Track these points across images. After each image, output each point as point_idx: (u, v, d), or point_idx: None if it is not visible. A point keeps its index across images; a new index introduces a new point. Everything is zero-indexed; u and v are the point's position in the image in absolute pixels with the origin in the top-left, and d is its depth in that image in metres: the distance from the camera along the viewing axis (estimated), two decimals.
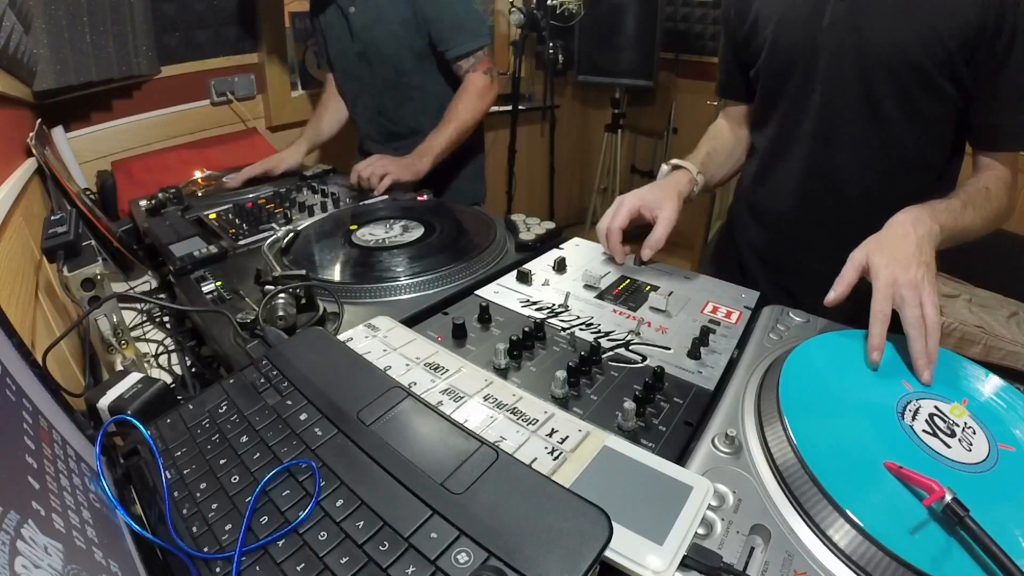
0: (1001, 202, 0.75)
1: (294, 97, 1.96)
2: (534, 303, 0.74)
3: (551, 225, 0.96)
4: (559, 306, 0.73)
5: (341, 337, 0.62)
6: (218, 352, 0.68)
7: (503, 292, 0.77)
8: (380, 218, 1.01)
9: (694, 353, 0.63)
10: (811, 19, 0.80)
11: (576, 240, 0.95)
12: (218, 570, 0.36)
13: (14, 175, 0.92)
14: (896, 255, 0.62)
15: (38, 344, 0.65)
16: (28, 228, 0.89)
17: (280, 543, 0.36)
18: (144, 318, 0.86)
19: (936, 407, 0.52)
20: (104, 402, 0.52)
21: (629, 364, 0.62)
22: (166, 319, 0.85)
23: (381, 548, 0.35)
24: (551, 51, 2.79)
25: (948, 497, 0.39)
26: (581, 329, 0.68)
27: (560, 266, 0.83)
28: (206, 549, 0.37)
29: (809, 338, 0.62)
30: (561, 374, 0.56)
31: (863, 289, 0.70)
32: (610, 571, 0.38)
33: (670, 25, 2.87)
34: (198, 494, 0.41)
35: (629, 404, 0.52)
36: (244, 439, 0.45)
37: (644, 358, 0.63)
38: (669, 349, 0.64)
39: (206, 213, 1.08)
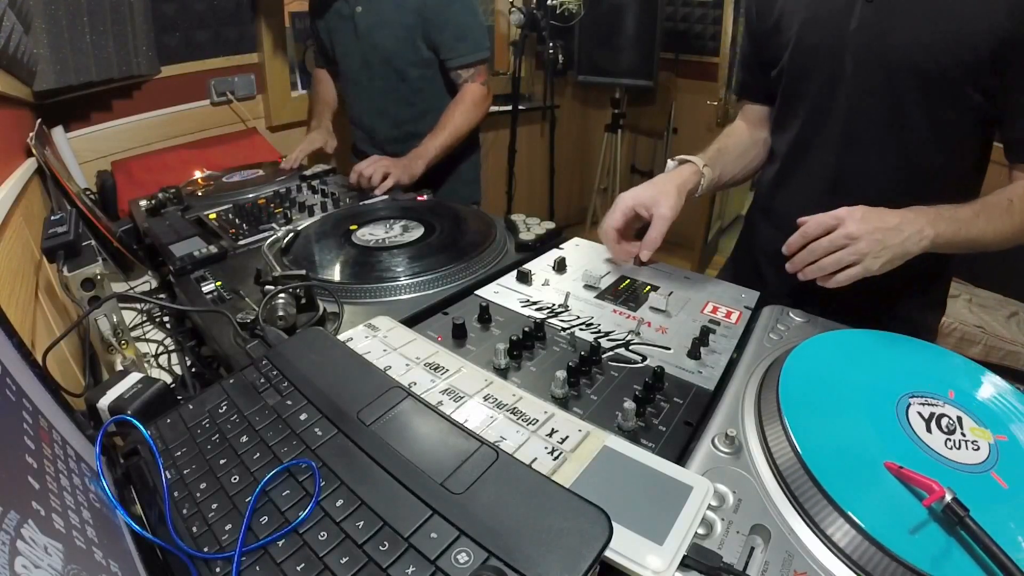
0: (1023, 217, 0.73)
1: (294, 97, 1.96)
2: (534, 303, 0.74)
3: (551, 225, 0.96)
4: (559, 306, 0.73)
5: (341, 337, 0.62)
6: (218, 352, 0.68)
7: (503, 292, 0.77)
8: (380, 218, 1.01)
9: (694, 353, 0.63)
10: (838, 20, 0.78)
11: (576, 240, 0.95)
12: (218, 570, 0.36)
13: (14, 175, 0.92)
14: (868, 218, 0.67)
15: (38, 344, 0.65)
16: (28, 228, 0.89)
17: (280, 543, 0.36)
18: (144, 318, 0.86)
19: (934, 407, 0.52)
20: (104, 402, 0.52)
21: (629, 364, 0.62)
22: (166, 319, 0.85)
23: (381, 548, 0.35)
24: (551, 51, 2.79)
25: (948, 497, 0.39)
26: (581, 329, 0.68)
27: (560, 266, 0.83)
28: (206, 549, 0.37)
29: (809, 338, 0.62)
30: (561, 374, 0.56)
31: (862, 289, 0.70)
32: (610, 571, 0.38)
33: (670, 25, 2.88)
34: (198, 494, 0.41)
35: (629, 404, 0.52)
36: (244, 439, 0.45)
37: (644, 358, 0.63)
38: (669, 349, 0.64)
39: (206, 213, 1.08)
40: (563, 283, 0.79)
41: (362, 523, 0.37)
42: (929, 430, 0.49)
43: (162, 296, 0.91)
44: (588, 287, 0.78)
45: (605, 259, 0.87)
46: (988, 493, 0.44)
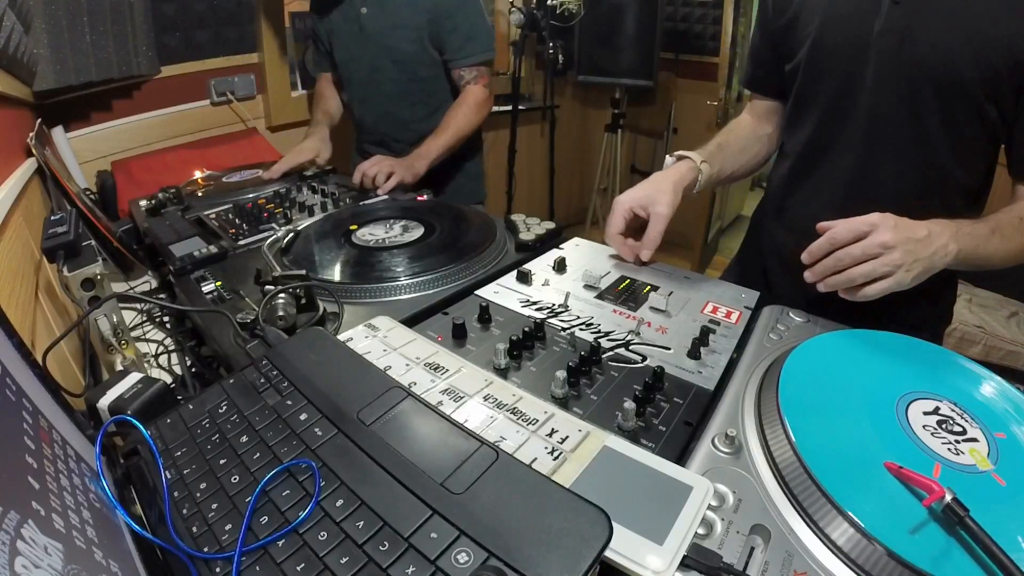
0: None
1: (294, 97, 1.96)
2: (534, 303, 0.74)
3: (551, 225, 0.96)
4: (559, 306, 0.73)
5: (341, 337, 0.62)
6: (218, 352, 0.68)
7: (503, 292, 0.77)
8: (380, 218, 1.01)
9: (694, 353, 0.63)
10: (862, 21, 0.77)
11: (576, 240, 0.95)
12: (218, 570, 0.36)
13: (14, 175, 0.92)
14: (901, 227, 0.64)
15: (38, 344, 0.65)
16: (28, 228, 0.89)
17: (280, 543, 0.36)
18: (144, 318, 0.86)
19: (937, 408, 0.52)
20: (104, 402, 0.52)
21: (629, 364, 0.62)
22: (166, 319, 0.85)
23: (381, 548, 0.35)
24: (551, 51, 2.79)
25: (948, 497, 0.39)
26: (581, 329, 0.68)
27: (560, 266, 0.83)
28: (206, 549, 0.37)
29: (809, 338, 0.62)
30: (561, 374, 0.56)
31: (873, 300, 0.69)
32: (610, 571, 0.38)
33: (670, 25, 2.88)
34: (198, 494, 0.41)
35: (629, 404, 0.52)
36: (244, 439, 0.45)
37: (644, 358, 0.63)
38: (669, 349, 0.64)
39: (206, 213, 1.08)
40: (563, 283, 0.79)
41: (362, 523, 0.37)
42: (929, 430, 0.49)
43: (162, 296, 0.91)
44: (588, 287, 0.78)
45: (605, 257, 0.87)
46: (988, 493, 0.44)
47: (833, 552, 0.41)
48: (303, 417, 0.46)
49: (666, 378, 0.58)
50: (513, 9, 2.72)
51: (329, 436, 0.44)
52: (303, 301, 0.69)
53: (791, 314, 0.71)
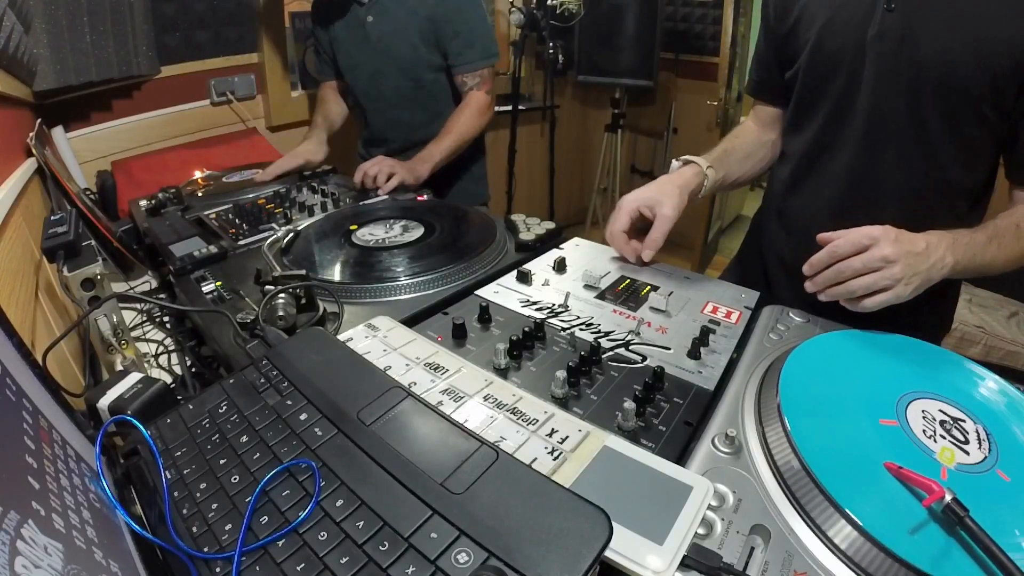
0: None
1: (294, 97, 1.97)
2: (534, 303, 0.74)
3: (551, 225, 0.96)
4: (559, 306, 0.73)
5: (341, 337, 0.62)
6: (218, 352, 0.68)
7: (503, 292, 0.77)
8: (380, 218, 1.01)
9: (694, 353, 0.63)
10: (857, 26, 0.77)
11: (576, 240, 0.95)
12: (218, 570, 0.36)
13: (14, 175, 0.92)
14: (901, 241, 0.64)
15: (38, 344, 0.65)
16: (28, 228, 0.89)
17: (280, 543, 0.36)
18: (144, 318, 0.86)
19: (934, 407, 0.52)
20: (104, 402, 0.52)
21: (629, 364, 0.62)
22: (166, 319, 0.85)
23: (381, 548, 0.35)
24: (551, 51, 2.79)
25: (948, 497, 0.39)
26: (581, 329, 0.68)
27: (560, 266, 0.83)
28: (206, 549, 0.37)
29: (809, 338, 0.62)
30: (561, 374, 0.56)
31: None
32: (610, 571, 0.38)
33: (670, 25, 2.88)
34: (198, 494, 0.41)
35: (629, 404, 0.52)
36: (244, 439, 0.45)
37: (644, 358, 0.63)
38: (669, 349, 0.64)
39: (206, 213, 1.08)
40: (563, 283, 0.79)
41: (362, 523, 0.37)
42: (929, 431, 0.49)
43: (162, 296, 0.91)
44: (588, 287, 0.78)
45: (605, 258, 0.87)
46: (988, 493, 0.44)
47: (833, 552, 0.41)
48: (303, 417, 0.46)
49: (666, 378, 0.58)
50: (513, 9, 2.72)
51: (329, 436, 0.44)
52: (303, 301, 0.69)
53: (791, 314, 0.71)
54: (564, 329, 0.68)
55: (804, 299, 0.75)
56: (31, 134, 1.06)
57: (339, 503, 0.38)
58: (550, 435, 0.48)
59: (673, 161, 0.92)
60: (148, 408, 0.52)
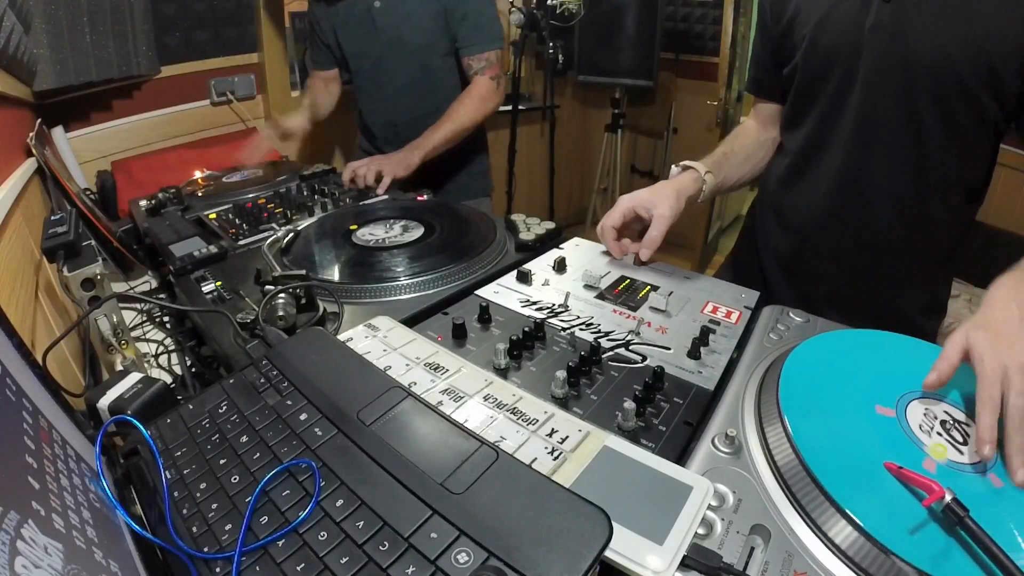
0: None
1: (294, 97, 1.96)
2: (534, 303, 0.74)
3: (551, 225, 0.96)
4: (559, 306, 0.73)
5: (341, 337, 0.62)
6: (218, 352, 0.68)
7: (503, 292, 0.77)
8: (380, 218, 1.01)
9: (694, 353, 0.63)
10: (854, 20, 0.77)
11: (576, 240, 0.95)
12: (218, 570, 0.36)
13: (14, 175, 0.92)
14: (1000, 334, 0.53)
15: (38, 344, 0.65)
16: (28, 228, 0.89)
17: (280, 543, 0.36)
18: (144, 318, 0.86)
19: (934, 407, 0.52)
20: (104, 402, 0.52)
21: (629, 364, 0.62)
22: (166, 319, 0.85)
23: (381, 548, 0.35)
24: (551, 51, 2.79)
25: (948, 497, 0.39)
26: (581, 329, 0.68)
27: (560, 266, 0.83)
28: (206, 549, 0.37)
29: (809, 338, 0.62)
30: (561, 374, 0.56)
31: (864, 291, 0.69)
32: (610, 571, 0.38)
33: (670, 25, 2.87)
34: (198, 494, 0.41)
35: (629, 404, 0.52)
36: (244, 439, 0.45)
37: (644, 358, 0.63)
38: (669, 349, 0.64)
39: (206, 213, 1.08)
40: (563, 283, 0.79)
41: (362, 523, 0.37)
42: (929, 430, 0.49)
43: (162, 296, 0.92)
44: (588, 287, 0.78)
45: (605, 258, 0.87)
46: (988, 493, 0.44)
47: (833, 552, 0.40)
48: (303, 417, 0.46)
49: (666, 378, 0.58)
50: (513, 9, 2.72)
51: (329, 436, 0.44)
52: (303, 301, 0.69)
53: (791, 314, 0.71)
54: (564, 329, 0.68)
55: (800, 294, 0.75)
56: (31, 134, 1.06)
57: (339, 503, 0.38)
58: (550, 435, 0.48)
59: (672, 167, 0.92)
60: (148, 408, 0.52)
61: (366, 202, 1.15)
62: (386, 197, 1.18)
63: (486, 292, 0.77)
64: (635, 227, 0.87)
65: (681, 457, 0.50)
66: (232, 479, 0.42)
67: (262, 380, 0.51)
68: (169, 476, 0.43)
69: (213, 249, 0.88)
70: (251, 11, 1.76)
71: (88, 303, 0.67)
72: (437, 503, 0.37)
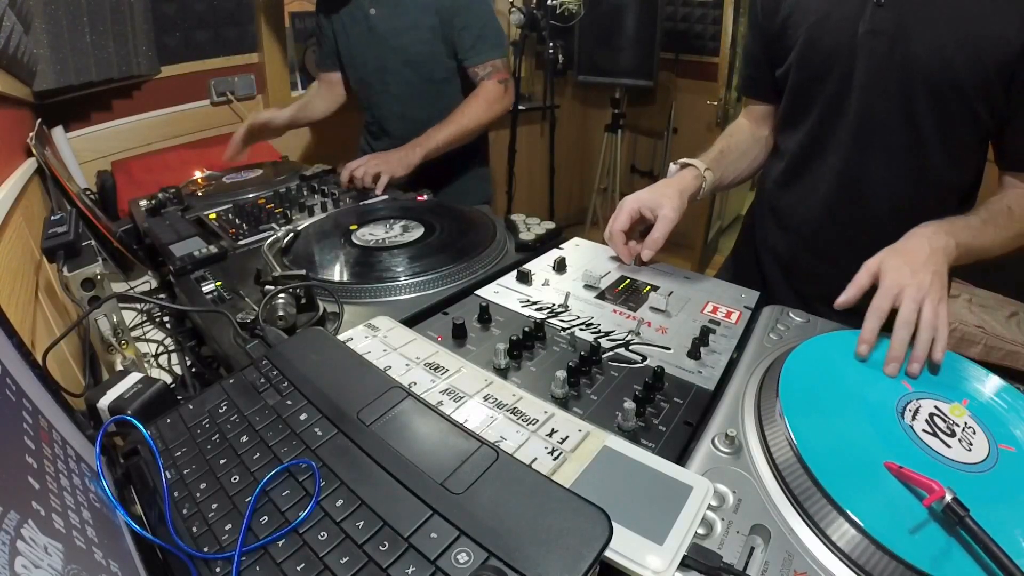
0: (1023, 222, 0.73)
1: (294, 97, 1.96)
2: (534, 303, 0.74)
3: (551, 225, 0.96)
4: (559, 306, 0.73)
5: (341, 337, 0.62)
6: (218, 352, 0.68)
7: (503, 292, 0.77)
8: (380, 218, 1.01)
9: (694, 353, 0.63)
10: (848, 23, 0.78)
11: (576, 240, 0.95)
12: (218, 570, 0.36)
13: (14, 175, 0.92)
14: (908, 260, 0.64)
15: (38, 344, 0.65)
16: (28, 228, 0.89)
17: (280, 543, 0.36)
18: (144, 318, 0.86)
19: (936, 407, 0.52)
20: (104, 402, 0.52)
21: (629, 364, 0.62)
22: (166, 319, 0.85)
23: (381, 548, 0.35)
24: (551, 51, 2.78)
25: (948, 497, 0.39)
26: (581, 329, 0.68)
27: (560, 266, 0.83)
28: (206, 549, 0.37)
29: (809, 338, 0.62)
30: (561, 374, 0.56)
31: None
32: (610, 571, 0.38)
33: (670, 25, 2.87)
34: (198, 494, 0.41)
35: (629, 404, 0.52)
36: (244, 439, 0.45)
37: (644, 358, 0.63)
38: (669, 349, 0.64)
39: (206, 213, 1.08)
40: (563, 283, 0.79)
41: (362, 523, 0.37)
42: (929, 430, 0.50)
43: (162, 296, 0.91)
44: (588, 287, 0.78)
45: (605, 258, 0.87)
46: (988, 493, 0.44)
47: (833, 552, 0.41)
48: (303, 417, 0.46)
49: (666, 378, 0.58)
50: (513, 9, 2.72)
51: (329, 436, 0.44)
52: (303, 301, 0.69)
53: (791, 314, 0.71)
54: (564, 329, 0.68)
55: (799, 294, 0.75)
56: (31, 134, 1.06)
57: (339, 503, 0.38)
58: (550, 435, 0.48)
59: (671, 165, 0.92)
60: (148, 408, 0.52)
61: (366, 202, 1.15)
62: (386, 197, 1.18)
63: (486, 292, 0.77)
64: (638, 228, 0.87)
65: (681, 457, 0.50)
66: (232, 479, 0.42)
67: (262, 380, 0.51)
68: (169, 476, 0.43)
69: (213, 249, 0.88)
70: (251, 11, 1.76)
71: (88, 303, 0.67)
72: (437, 503, 0.37)
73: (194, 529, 0.39)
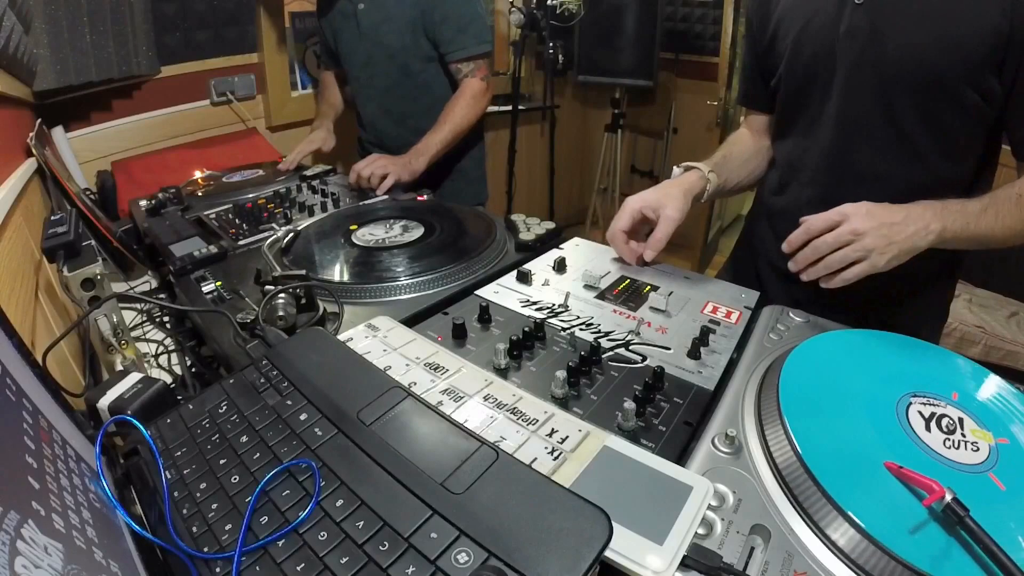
0: None
1: (294, 97, 1.97)
2: (534, 303, 0.74)
3: (551, 225, 0.96)
4: (559, 306, 0.73)
5: (341, 337, 0.62)
6: (218, 352, 0.68)
7: (503, 292, 0.77)
8: (380, 218, 1.01)
9: (694, 353, 0.63)
10: (829, 26, 0.78)
11: (576, 240, 0.95)
12: (218, 570, 0.36)
13: (14, 175, 0.92)
14: (874, 214, 0.66)
15: (38, 344, 0.65)
16: (28, 228, 0.89)
17: (280, 543, 0.36)
18: (144, 318, 0.86)
19: (934, 407, 0.52)
20: (104, 402, 0.52)
21: (629, 364, 0.62)
22: (166, 319, 0.85)
23: (381, 548, 0.35)
24: (551, 51, 2.79)
25: (948, 497, 0.39)
26: (581, 329, 0.68)
27: (560, 266, 0.83)
28: (206, 549, 0.37)
29: (809, 338, 0.62)
30: (561, 374, 0.56)
31: (863, 290, 0.70)
32: (610, 571, 0.38)
33: (670, 25, 2.87)
34: (198, 494, 0.41)
35: (629, 404, 0.52)
36: (244, 439, 0.45)
37: (644, 358, 0.63)
38: (669, 349, 0.64)
39: (206, 213, 1.08)
40: (563, 283, 0.79)
41: (362, 523, 0.37)
42: (929, 430, 0.49)
43: (162, 296, 0.91)
44: (588, 287, 0.78)
45: (605, 258, 0.87)
46: (988, 493, 0.44)
47: (833, 552, 0.41)
48: (303, 417, 0.46)
49: (666, 378, 0.58)
50: (513, 9, 2.72)
51: (329, 436, 0.44)
52: (303, 301, 0.69)
53: (791, 314, 0.71)
54: (564, 329, 0.68)
55: (794, 299, 0.75)
56: (31, 134, 1.06)
57: (339, 503, 0.38)
58: (550, 435, 0.48)
59: (675, 168, 0.92)
60: (148, 408, 0.52)
61: (366, 202, 1.15)
62: (386, 197, 1.18)
63: (486, 292, 0.77)
64: (642, 229, 0.87)
65: (681, 457, 0.50)
66: (232, 479, 0.42)
67: (262, 380, 0.51)
68: (169, 476, 0.43)
69: (213, 249, 0.88)
70: (251, 11, 1.76)
71: (88, 303, 0.67)
72: (437, 503, 0.37)
73: (194, 529, 0.39)
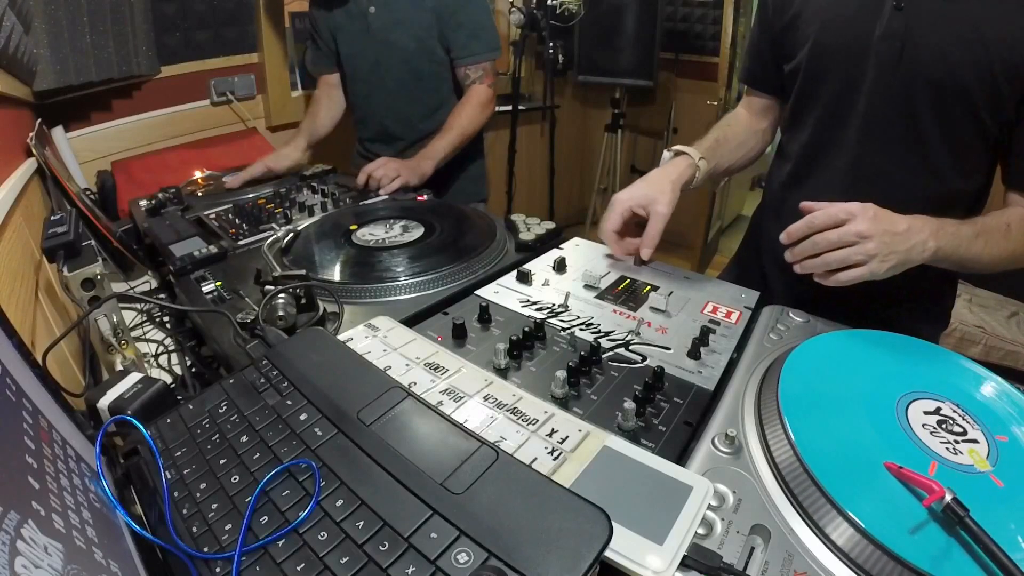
0: (1020, 243, 0.72)
1: (294, 97, 1.97)
2: (534, 303, 0.74)
3: (551, 225, 0.96)
4: (559, 306, 0.73)
5: (341, 337, 0.62)
6: (218, 352, 0.68)
7: (503, 292, 0.77)
8: (380, 218, 1.01)
9: (694, 353, 0.63)
10: (863, 25, 0.76)
11: (576, 240, 0.95)
12: (218, 570, 0.36)
13: (14, 175, 0.92)
14: (880, 219, 0.65)
15: (38, 344, 0.65)
16: (28, 228, 0.89)
17: (280, 543, 0.36)
18: (144, 318, 0.86)
19: (938, 408, 0.52)
20: (104, 402, 0.52)
21: (629, 364, 0.62)
22: (166, 319, 0.85)
23: (381, 548, 0.35)
24: (551, 51, 2.79)
25: (948, 497, 0.39)
26: (581, 329, 0.68)
27: (560, 266, 0.83)
28: (206, 549, 0.37)
29: (809, 338, 0.62)
30: (561, 374, 0.56)
31: (862, 290, 0.69)
32: (610, 571, 0.38)
33: (670, 25, 2.87)
34: (198, 494, 0.41)
35: (629, 404, 0.52)
36: (244, 439, 0.45)
37: (644, 358, 0.63)
38: (669, 349, 0.64)
39: (206, 213, 1.08)
40: (563, 283, 0.79)
41: (362, 523, 0.37)
42: (929, 430, 0.49)
43: (162, 296, 0.91)
44: (588, 287, 0.78)
45: (606, 258, 0.87)
46: (988, 493, 0.44)
47: (833, 552, 0.41)
48: (303, 417, 0.46)
49: (666, 378, 0.58)
50: (513, 9, 2.72)
51: (329, 436, 0.44)
52: (303, 301, 0.69)
53: (791, 314, 0.71)
54: (564, 329, 0.68)
55: (799, 299, 0.75)
56: (31, 134, 1.06)
57: (339, 503, 0.38)
58: (550, 435, 0.48)
59: (664, 152, 0.91)
60: (148, 408, 0.52)
61: (366, 202, 1.15)
62: (386, 197, 1.18)
63: (486, 292, 0.77)
64: (631, 223, 0.87)
65: (681, 457, 0.50)
66: (232, 479, 0.42)
67: (262, 380, 0.51)
68: (169, 476, 0.43)
69: (213, 249, 0.88)
70: (251, 11, 1.76)
71: (88, 303, 0.67)
72: (437, 503, 0.37)
73: (194, 529, 0.39)
